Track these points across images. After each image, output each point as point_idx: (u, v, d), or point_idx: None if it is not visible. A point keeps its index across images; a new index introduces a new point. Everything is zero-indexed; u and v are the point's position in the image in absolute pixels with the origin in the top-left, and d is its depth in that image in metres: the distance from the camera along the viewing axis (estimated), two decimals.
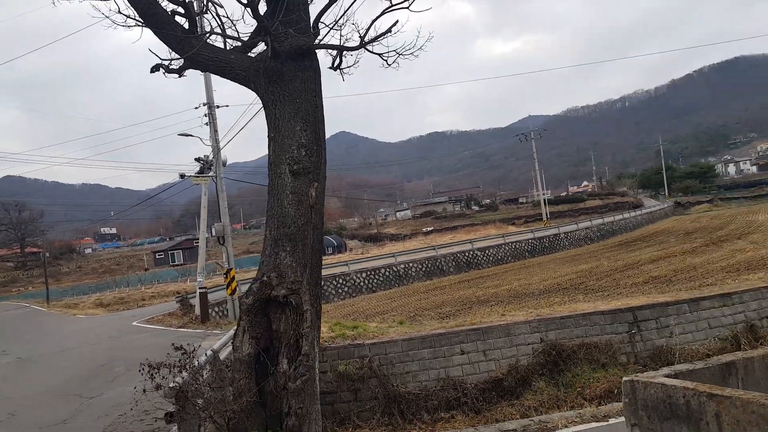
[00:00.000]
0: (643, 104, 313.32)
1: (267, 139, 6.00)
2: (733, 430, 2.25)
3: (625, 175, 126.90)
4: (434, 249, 39.07)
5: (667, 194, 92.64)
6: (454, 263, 37.42)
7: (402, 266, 35.73)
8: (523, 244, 42.06)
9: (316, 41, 6.29)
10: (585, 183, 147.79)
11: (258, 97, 6.28)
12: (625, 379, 2.83)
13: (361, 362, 12.72)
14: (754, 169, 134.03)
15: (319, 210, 5.90)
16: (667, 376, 2.76)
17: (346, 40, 6.64)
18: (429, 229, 79.03)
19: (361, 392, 12.44)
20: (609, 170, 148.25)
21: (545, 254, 41.50)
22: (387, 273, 35.05)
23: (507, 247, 40.87)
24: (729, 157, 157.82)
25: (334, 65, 6.80)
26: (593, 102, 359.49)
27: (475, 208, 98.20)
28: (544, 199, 65.00)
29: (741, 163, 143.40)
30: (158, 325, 21.88)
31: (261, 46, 6.47)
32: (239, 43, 6.56)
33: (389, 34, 6.34)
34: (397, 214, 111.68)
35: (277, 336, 5.63)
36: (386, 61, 6.60)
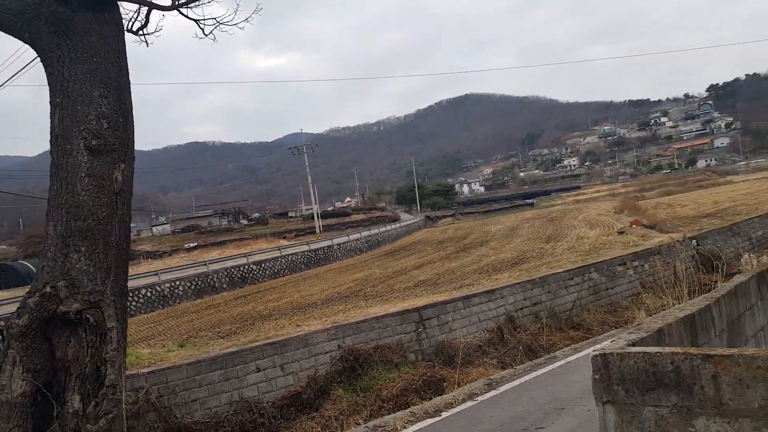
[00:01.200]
0: (395, 129, 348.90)
1: (49, 106, 4.52)
2: (734, 390, 2.23)
3: (383, 192, 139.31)
4: (205, 264, 36.55)
5: (419, 209, 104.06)
6: (228, 279, 35.55)
7: (167, 285, 32.45)
8: (300, 257, 42.29)
9: None
10: (348, 199, 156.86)
11: (36, 54, 4.70)
12: (594, 353, 2.67)
13: (136, 395, 10.94)
14: (482, 189, 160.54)
15: (127, 199, 4.61)
16: (630, 345, 2.73)
17: None
18: (193, 244, 73.98)
19: (136, 430, 10.70)
20: (369, 187, 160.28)
21: (321, 265, 42.36)
22: (148, 294, 31.42)
23: (283, 260, 40.55)
24: (463, 179, 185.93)
25: (133, 27, 5.59)
26: (353, 124, 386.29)
27: (245, 222, 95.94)
28: (318, 213, 66.80)
29: (472, 183, 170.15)
30: None
31: None
32: None
33: None
34: (153, 229, 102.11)
35: (64, 366, 4.17)
36: (202, 29, 5.68)
